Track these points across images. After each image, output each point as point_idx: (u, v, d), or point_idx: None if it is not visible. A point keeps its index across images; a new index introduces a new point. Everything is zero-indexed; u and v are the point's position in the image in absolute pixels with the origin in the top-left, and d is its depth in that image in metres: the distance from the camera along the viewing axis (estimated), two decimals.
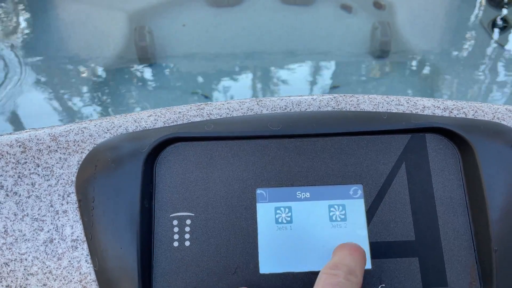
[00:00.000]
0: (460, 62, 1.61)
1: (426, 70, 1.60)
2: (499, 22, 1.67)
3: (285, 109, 0.43)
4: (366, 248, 0.38)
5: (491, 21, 1.67)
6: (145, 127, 0.41)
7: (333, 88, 1.56)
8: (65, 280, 0.38)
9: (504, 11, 1.71)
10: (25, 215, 0.39)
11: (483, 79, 1.54)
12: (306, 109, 0.43)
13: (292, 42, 1.67)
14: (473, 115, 0.42)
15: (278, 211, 0.39)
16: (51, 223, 0.39)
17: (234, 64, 1.60)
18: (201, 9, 1.70)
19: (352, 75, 1.62)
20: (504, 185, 0.37)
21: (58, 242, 0.38)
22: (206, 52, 1.60)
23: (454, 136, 0.39)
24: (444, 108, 0.42)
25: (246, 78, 1.58)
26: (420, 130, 0.40)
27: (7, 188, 0.39)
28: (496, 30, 1.65)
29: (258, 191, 0.39)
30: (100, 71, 1.51)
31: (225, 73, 1.58)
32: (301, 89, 1.56)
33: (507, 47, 1.62)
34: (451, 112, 0.42)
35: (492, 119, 0.42)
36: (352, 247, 0.34)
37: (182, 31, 1.63)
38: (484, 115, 0.42)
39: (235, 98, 0.44)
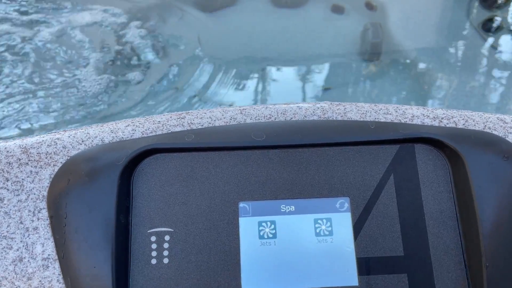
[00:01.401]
0: (451, 64, 1.62)
1: (417, 70, 1.61)
2: (492, 24, 1.68)
3: (270, 118, 0.41)
4: (353, 264, 0.36)
5: (481, 22, 1.68)
6: (122, 137, 0.40)
7: (326, 90, 1.56)
8: None
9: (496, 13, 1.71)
10: None
11: (474, 82, 1.55)
12: (292, 118, 0.41)
13: (283, 44, 1.68)
14: (463, 124, 0.40)
15: (261, 226, 0.37)
16: (21, 241, 0.37)
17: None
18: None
19: (344, 76, 1.63)
20: (496, 198, 0.36)
21: (28, 261, 0.36)
22: None
23: (444, 146, 0.38)
24: (434, 117, 0.41)
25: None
26: (409, 140, 0.38)
27: None
28: (488, 32, 1.66)
29: (241, 204, 0.37)
30: None
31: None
32: (292, 90, 1.57)
33: (499, 49, 1.63)
34: (441, 122, 0.40)
35: (483, 128, 0.40)
36: None
37: None
38: (475, 125, 0.40)
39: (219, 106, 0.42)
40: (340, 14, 1.77)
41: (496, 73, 1.57)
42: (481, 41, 1.65)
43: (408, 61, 1.63)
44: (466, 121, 0.40)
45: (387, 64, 1.63)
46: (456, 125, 0.40)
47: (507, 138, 0.40)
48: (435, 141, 0.38)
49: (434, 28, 1.74)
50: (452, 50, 1.66)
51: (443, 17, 1.79)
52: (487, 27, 1.67)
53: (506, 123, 0.40)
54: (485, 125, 0.40)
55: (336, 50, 1.68)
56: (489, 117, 0.41)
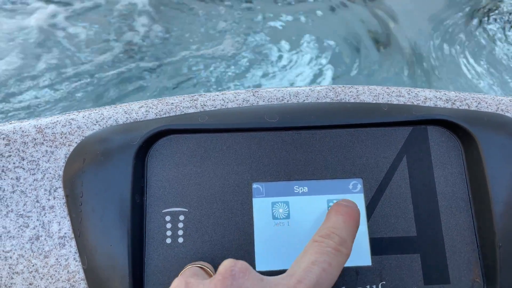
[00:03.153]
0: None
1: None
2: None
3: (282, 100, 0.41)
4: (366, 244, 0.36)
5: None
6: (136, 118, 0.40)
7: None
8: (52, 279, 0.36)
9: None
10: (9, 211, 0.37)
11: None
12: (304, 100, 0.41)
13: None
14: (476, 106, 0.40)
15: (275, 206, 0.37)
16: (37, 220, 0.37)
17: None
18: None
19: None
20: (509, 179, 0.36)
21: (45, 239, 0.37)
22: None
23: (457, 128, 0.38)
24: (447, 99, 0.41)
25: None
26: (421, 122, 0.39)
27: None
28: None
29: (254, 185, 0.37)
30: None
31: None
32: None
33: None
34: (454, 104, 0.41)
35: (496, 110, 0.40)
36: (348, 212, 0.32)
37: None
38: (487, 107, 0.40)
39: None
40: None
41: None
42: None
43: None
44: (478, 103, 0.41)
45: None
46: (468, 107, 0.40)
47: None
48: (448, 123, 0.38)
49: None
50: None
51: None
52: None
53: None
54: (498, 107, 0.40)
55: None
56: (501, 99, 0.41)
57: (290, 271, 0.29)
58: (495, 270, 0.35)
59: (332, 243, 0.30)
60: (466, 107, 0.40)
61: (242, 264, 0.28)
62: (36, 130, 0.39)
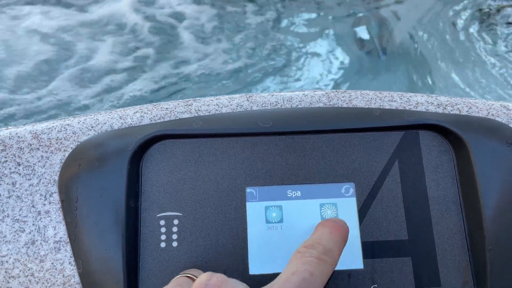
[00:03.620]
0: None
1: None
2: None
3: (276, 105, 0.42)
4: (358, 247, 0.37)
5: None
6: (131, 124, 0.40)
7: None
8: (48, 283, 0.36)
9: None
10: (5, 216, 0.38)
11: None
12: (297, 105, 0.42)
13: None
14: (467, 111, 0.41)
15: (268, 210, 0.38)
16: (33, 224, 0.37)
17: None
18: None
19: None
20: (499, 183, 0.37)
21: (41, 243, 0.37)
22: None
23: (448, 133, 0.38)
24: (438, 104, 0.41)
25: None
26: (413, 127, 0.39)
27: None
28: None
29: (248, 189, 0.38)
30: None
31: None
32: None
33: None
34: (445, 109, 0.41)
35: (487, 115, 0.41)
36: (335, 225, 0.32)
37: None
38: (478, 112, 0.41)
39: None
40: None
41: None
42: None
43: None
44: (470, 108, 0.41)
45: None
46: (460, 112, 0.41)
47: (510, 125, 0.40)
48: (439, 128, 0.38)
49: None
50: None
51: None
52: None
53: (509, 110, 0.41)
54: (489, 112, 0.41)
55: None
56: (492, 104, 0.41)
57: (271, 283, 0.28)
58: (485, 273, 0.35)
59: (315, 252, 0.30)
60: (457, 112, 0.41)
61: (218, 277, 0.28)
62: (32, 136, 0.39)
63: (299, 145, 0.39)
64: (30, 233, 0.37)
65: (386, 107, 0.41)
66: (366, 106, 0.41)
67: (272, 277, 0.36)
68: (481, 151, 0.37)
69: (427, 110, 0.41)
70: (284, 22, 2.00)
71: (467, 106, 0.41)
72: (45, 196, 0.38)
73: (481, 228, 0.36)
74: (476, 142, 0.37)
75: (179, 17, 1.98)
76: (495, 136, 0.38)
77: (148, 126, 0.39)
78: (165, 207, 0.37)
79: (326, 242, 0.31)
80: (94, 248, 0.35)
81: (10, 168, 0.38)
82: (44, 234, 0.37)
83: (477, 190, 0.36)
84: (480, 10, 1.91)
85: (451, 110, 0.41)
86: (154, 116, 0.40)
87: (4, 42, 1.80)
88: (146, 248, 0.36)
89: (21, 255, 0.37)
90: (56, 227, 0.37)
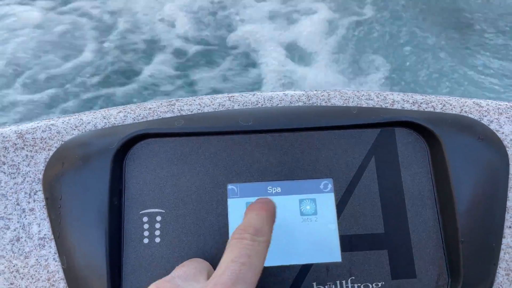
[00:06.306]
0: None
1: None
2: None
3: (257, 104, 0.43)
4: (336, 241, 0.38)
5: None
6: (115, 123, 0.41)
7: None
8: (32, 279, 0.37)
9: None
10: None
11: None
12: (278, 104, 0.43)
13: None
14: (441, 108, 0.42)
15: None
16: (18, 222, 0.38)
17: None
18: None
19: None
20: (471, 178, 0.38)
21: (25, 240, 0.38)
22: None
23: (423, 129, 0.39)
24: (413, 102, 0.43)
25: None
26: (389, 124, 0.40)
27: None
28: None
29: (229, 186, 0.39)
30: None
31: None
32: None
33: None
34: (420, 106, 0.42)
35: (460, 112, 0.42)
36: (259, 206, 0.34)
37: None
38: (452, 109, 0.42)
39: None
40: None
41: None
42: None
43: None
44: (443, 106, 0.42)
45: None
46: (434, 109, 0.42)
47: (482, 121, 0.41)
48: (414, 125, 0.40)
49: None
50: None
51: None
52: None
53: (481, 107, 0.42)
54: (462, 109, 0.42)
55: None
56: (465, 101, 0.43)
57: (214, 273, 0.29)
58: (459, 264, 0.37)
59: (247, 235, 0.31)
60: (432, 109, 0.42)
61: (186, 268, 0.31)
62: (17, 136, 0.40)
63: (279, 143, 0.40)
64: (15, 230, 0.38)
65: (364, 105, 0.42)
66: (344, 105, 0.43)
67: None
68: (454, 146, 0.38)
69: (403, 107, 0.42)
70: None
71: (441, 104, 0.42)
72: (29, 194, 0.39)
73: (454, 221, 0.37)
74: (449, 138, 0.38)
75: None
76: (468, 132, 0.40)
77: (131, 125, 0.40)
78: (148, 204, 0.38)
79: (255, 223, 0.32)
80: (78, 244, 0.36)
81: None
82: (29, 231, 0.38)
83: (450, 184, 0.37)
84: None
85: (426, 108, 0.42)
86: (137, 116, 0.41)
87: None
88: (129, 244, 0.37)
89: (6, 252, 0.37)
90: (40, 224, 0.38)
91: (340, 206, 0.39)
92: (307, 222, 0.38)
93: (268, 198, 0.35)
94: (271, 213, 0.34)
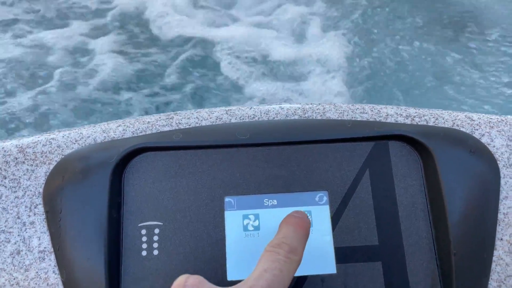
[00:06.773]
0: None
1: None
2: None
3: (254, 118, 0.44)
4: (331, 253, 0.39)
5: None
6: (114, 137, 0.42)
7: None
8: None
9: None
10: None
11: None
12: (274, 117, 0.44)
13: None
14: (434, 122, 0.43)
15: (246, 219, 0.39)
16: (18, 235, 0.39)
17: None
18: None
19: None
20: (463, 190, 0.39)
21: (25, 253, 0.38)
22: None
23: (416, 143, 0.40)
24: (407, 115, 0.43)
25: None
26: (383, 137, 0.41)
27: None
28: None
29: (226, 199, 0.40)
30: None
31: None
32: None
33: None
34: (413, 120, 0.43)
35: (452, 126, 0.43)
36: (297, 221, 0.35)
37: None
38: (444, 122, 0.43)
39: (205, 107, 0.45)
40: None
41: None
42: None
43: None
44: (436, 119, 0.43)
45: None
46: (427, 122, 0.43)
47: (473, 135, 0.42)
48: (407, 138, 0.41)
49: None
50: None
51: None
52: None
53: (473, 120, 0.43)
54: (454, 123, 0.43)
55: None
56: (457, 115, 0.44)
57: (245, 280, 0.31)
58: (451, 276, 0.37)
59: (282, 251, 0.32)
60: (425, 123, 0.43)
61: (195, 278, 0.30)
62: (18, 150, 0.41)
63: (275, 156, 0.41)
64: (15, 243, 0.39)
65: (358, 119, 0.43)
66: (339, 118, 0.43)
67: None
68: (446, 160, 0.39)
69: (396, 121, 0.43)
70: None
71: (434, 117, 0.43)
72: (30, 208, 0.39)
73: (446, 233, 0.38)
74: (441, 151, 0.39)
75: None
76: (460, 146, 0.41)
77: (130, 139, 0.41)
78: (147, 217, 0.39)
79: (290, 240, 0.33)
80: (78, 257, 0.37)
81: None
82: (29, 244, 0.38)
83: (443, 196, 0.38)
84: None
85: (419, 121, 0.43)
86: (136, 130, 0.42)
87: None
88: (128, 256, 0.38)
89: (6, 265, 0.38)
90: (40, 237, 0.39)
91: (335, 218, 0.39)
92: None
93: (305, 214, 0.36)
94: (307, 232, 0.35)
